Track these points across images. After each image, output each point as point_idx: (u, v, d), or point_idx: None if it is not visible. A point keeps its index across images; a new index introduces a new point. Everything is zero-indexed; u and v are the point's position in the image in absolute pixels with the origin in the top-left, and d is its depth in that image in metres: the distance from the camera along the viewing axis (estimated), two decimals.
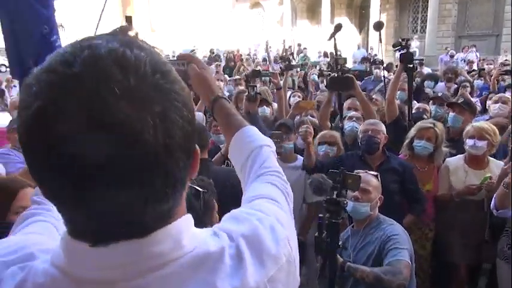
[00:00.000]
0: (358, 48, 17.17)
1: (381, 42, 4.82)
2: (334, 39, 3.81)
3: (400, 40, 3.53)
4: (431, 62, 13.93)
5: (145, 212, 0.50)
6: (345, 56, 4.29)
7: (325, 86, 5.37)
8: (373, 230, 2.16)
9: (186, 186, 0.57)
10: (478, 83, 6.90)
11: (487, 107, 4.98)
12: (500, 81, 6.11)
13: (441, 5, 17.55)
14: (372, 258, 2.06)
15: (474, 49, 13.75)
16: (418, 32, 18.90)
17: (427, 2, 17.62)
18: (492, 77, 6.12)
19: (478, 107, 4.79)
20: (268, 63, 11.85)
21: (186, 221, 0.57)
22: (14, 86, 7.80)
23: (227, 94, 5.91)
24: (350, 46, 16.07)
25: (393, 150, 3.09)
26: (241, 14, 24.35)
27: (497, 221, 2.75)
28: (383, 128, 2.97)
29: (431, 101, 4.39)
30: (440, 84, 6.39)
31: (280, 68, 6.05)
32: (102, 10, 2.86)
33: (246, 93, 3.65)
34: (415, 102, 4.35)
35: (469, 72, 8.22)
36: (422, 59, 9.74)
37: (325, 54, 14.20)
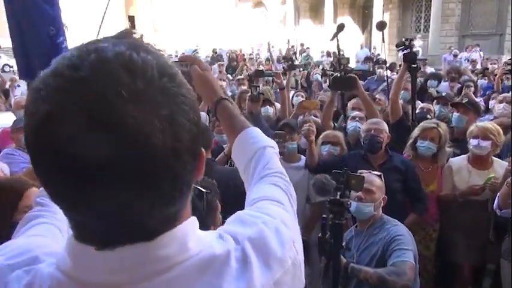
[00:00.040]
0: (361, 47, 17.15)
1: (383, 42, 4.81)
2: (337, 39, 3.80)
3: (404, 40, 3.52)
4: (435, 62, 13.91)
5: (152, 216, 0.50)
6: (348, 56, 4.29)
7: (328, 86, 5.36)
8: (377, 230, 2.15)
9: (191, 188, 0.57)
10: (482, 82, 6.88)
11: (489, 107, 4.97)
12: (504, 81, 6.08)
13: (444, 4, 17.50)
14: (375, 259, 2.05)
15: (478, 48, 13.71)
16: (421, 32, 18.86)
17: (430, 1, 17.59)
18: (496, 77, 6.09)
19: (482, 106, 4.76)
20: (271, 62, 11.84)
21: (191, 223, 0.57)
22: (18, 85, 7.81)
23: (230, 94, 5.91)
24: (353, 46, 16.06)
25: (397, 150, 3.08)
26: (243, 13, 24.36)
27: (502, 221, 2.73)
28: (385, 127, 2.96)
29: (435, 101, 4.37)
30: (444, 84, 6.38)
31: (283, 67, 6.05)
32: (105, 10, 2.87)
33: (249, 93, 3.65)
34: (419, 102, 4.34)
35: (472, 72, 8.19)
36: (426, 59, 9.70)
37: (328, 54, 14.17)
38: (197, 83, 0.99)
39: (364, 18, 21.13)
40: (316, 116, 3.96)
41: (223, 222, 0.75)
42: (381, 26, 4.53)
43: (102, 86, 0.45)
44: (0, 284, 0.55)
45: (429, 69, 8.58)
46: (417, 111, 3.81)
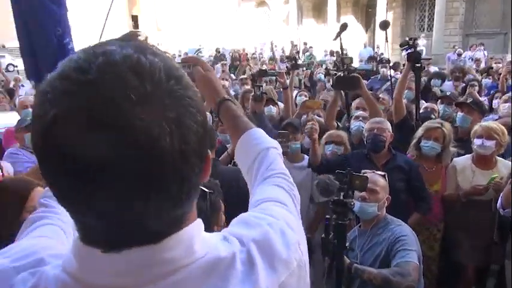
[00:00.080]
0: (365, 46, 17.11)
1: (387, 41, 4.79)
2: (340, 38, 3.80)
3: (408, 39, 3.51)
4: (439, 61, 13.85)
5: (160, 218, 0.50)
6: (351, 55, 4.27)
7: (331, 86, 5.35)
8: (381, 230, 2.15)
9: (198, 190, 0.57)
10: (486, 81, 6.84)
11: (493, 106, 4.95)
12: (508, 80, 6.05)
13: (448, 2, 17.41)
14: (379, 260, 2.04)
15: (482, 47, 13.64)
16: (425, 31, 18.77)
17: None
18: (501, 76, 6.06)
19: (486, 106, 4.74)
20: (274, 62, 11.84)
21: (197, 225, 0.57)
22: (22, 85, 7.84)
23: (233, 93, 5.91)
24: (356, 45, 16.02)
25: (400, 150, 3.07)
26: (247, 12, 24.36)
27: (506, 221, 2.72)
28: (388, 126, 2.95)
29: (439, 100, 4.35)
30: (448, 83, 6.34)
31: (287, 67, 6.04)
32: (109, 9, 2.88)
33: (252, 93, 3.65)
34: (423, 101, 4.32)
35: (476, 71, 8.16)
36: (430, 58, 9.66)
37: (331, 53, 14.17)
38: (200, 84, 0.99)
39: (367, 17, 21.06)
40: (319, 116, 3.95)
41: (227, 223, 0.74)
42: (384, 25, 4.52)
43: (109, 89, 0.45)
44: (6, 286, 0.55)
45: (433, 69, 8.55)
46: (421, 110, 3.79)
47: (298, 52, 16.14)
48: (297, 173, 2.97)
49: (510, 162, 2.89)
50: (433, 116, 3.82)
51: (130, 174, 0.45)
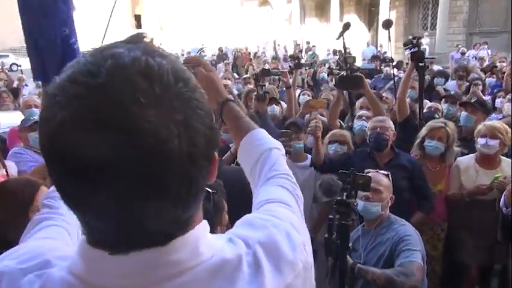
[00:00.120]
0: (368, 45, 17.06)
1: (390, 40, 4.77)
2: (343, 37, 3.78)
3: (411, 38, 3.49)
4: (442, 60, 13.78)
5: (168, 221, 0.51)
6: (354, 54, 4.26)
7: (334, 85, 5.34)
8: (385, 230, 2.14)
9: (204, 192, 0.57)
10: (490, 80, 6.81)
11: (496, 105, 4.93)
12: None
13: (452, 1, 17.33)
14: (383, 259, 2.04)
15: (486, 46, 13.57)
16: (428, 29, 18.69)
17: None
18: (505, 75, 6.03)
19: (490, 104, 4.72)
20: (277, 61, 11.83)
21: (203, 227, 0.57)
22: (26, 85, 7.87)
23: (236, 93, 5.91)
24: (359, 43, 15.98)
25: (404, 150, 3.06)
26: (249, 12, 24.34)
27: (509, 220, 2.71)
28: (391, 124, 2.94)
29: (443, 100, 4.33)
30: (452, 82, 6.32)
31: (289, 66, 6.04)
32: (112, 9, 2.88)
33: (255, 93, 3.65)
34: (426, 101, 4.30)
35: (480, 70, 8.12)
36: (434, 58, 9.63)
37: (334, 52, 14.12)
38: (202, 84, 0.99)
39: (370, 16, 21.00)
40: (322, 115, 3.94)
41: (231, 224, 0.74)
42: (387, 24, 4.49)
43: (119, 92, 0.45)
44: None
45: (436, 67, 8.52)
46: (425, 110, 3.78)
47: (301, 51, 16.11)
48: (300, 172, 2.97)
49: None
50: (436, 116, 3.81)
51: (136, 175, 0.45)
